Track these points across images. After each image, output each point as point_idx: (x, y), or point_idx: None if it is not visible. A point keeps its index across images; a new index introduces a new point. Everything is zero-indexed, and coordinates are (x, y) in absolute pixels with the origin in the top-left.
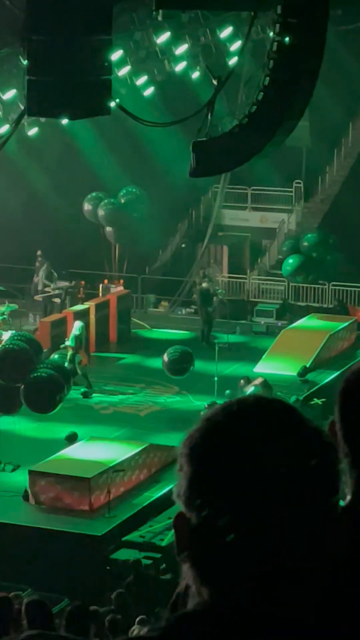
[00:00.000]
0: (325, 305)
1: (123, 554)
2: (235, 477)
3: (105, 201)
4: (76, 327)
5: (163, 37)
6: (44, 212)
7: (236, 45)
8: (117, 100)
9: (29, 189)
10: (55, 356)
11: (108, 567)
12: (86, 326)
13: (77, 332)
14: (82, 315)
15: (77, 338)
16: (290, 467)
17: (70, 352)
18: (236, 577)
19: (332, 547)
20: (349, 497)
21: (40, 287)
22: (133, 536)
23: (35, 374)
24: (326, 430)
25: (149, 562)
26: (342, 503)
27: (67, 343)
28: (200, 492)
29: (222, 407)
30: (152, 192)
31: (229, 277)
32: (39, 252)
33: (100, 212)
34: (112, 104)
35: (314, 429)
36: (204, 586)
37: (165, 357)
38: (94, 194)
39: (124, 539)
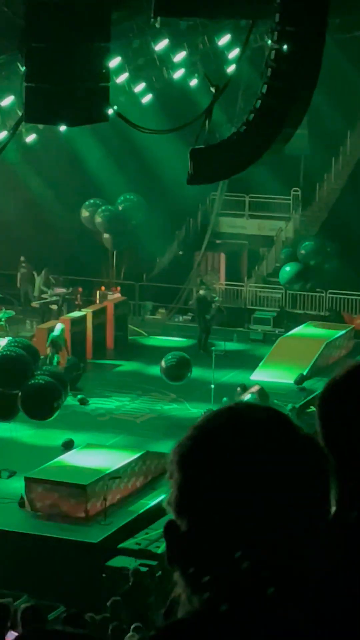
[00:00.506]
0: (322, 313)
1: (119, 561)
2: (225, 485)
3: (103, 208)
4: (56, 328)
5: (161, 45)
6: (42, 219)
7: (234, 53)
8: (115, 107)
9: (28, 196)
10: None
11: (104, 575)
12: (83, 333)
13: (57, 334)
14: (80, 322)
15: (57, 339)
16: (281, 474)
17: (49, 353)
18: (226, 585)
19: (323, 556)
20: (333, 507)
21: (36, 294)
22: (129, 543)
23: (32, 381)
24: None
25: (145, 569)
26: None
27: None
28: (190, 499)
29: (213, 414)
30: (150, 199)
31: (227, 285)
32: (22, 258)
33: (98, 219)
34: (110, 111)
35: (306, 437)
36: (194, 595)
37: (163, 363)
38: (91, 200)
39: (119, 546)
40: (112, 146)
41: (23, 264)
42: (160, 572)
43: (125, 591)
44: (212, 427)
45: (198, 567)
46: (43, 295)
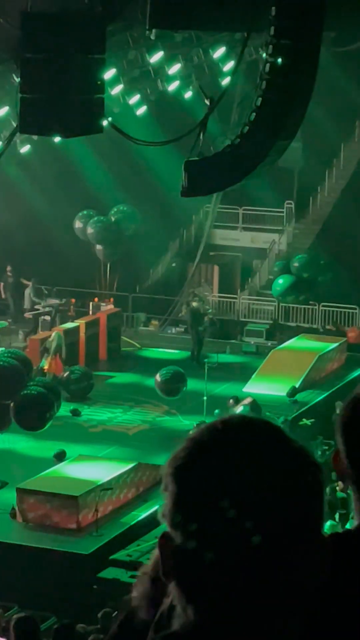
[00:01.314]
0: (315, 326)
1: (110, 573)
2: (220, 497)
3: (95, 219)
4: (52, 335)
5: (156, 57)
6: (36, 229)
7: (229, 66)
8: (110, 118)
9: (22, 206)
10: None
11: (95, 586)
12: (76, 344)
13: (50, 339)
14: (73, 333)
15: (48, 344)
16: (275, 487)
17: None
18: (221, 597)
19: (317, 569)
20: (355, 523)
21: (27, 305)
22: (120, 555)
23: (25, 392)
24: (331, 459)
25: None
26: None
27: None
28: (185, 511)
29: (207, 426)
30: (145, 211)
31: (220, 297)
32: (8, 268)
33: (89, 230)
34: (105, 123)
35: (300, 449)
36: (189, 605)
37: (158, 378)
38: (85, 211)
39: (111, 557)
40: (107, 157)
41: (9, 273)
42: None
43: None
44: (207, 439)
45: (192, 579)
46: (36, 307)
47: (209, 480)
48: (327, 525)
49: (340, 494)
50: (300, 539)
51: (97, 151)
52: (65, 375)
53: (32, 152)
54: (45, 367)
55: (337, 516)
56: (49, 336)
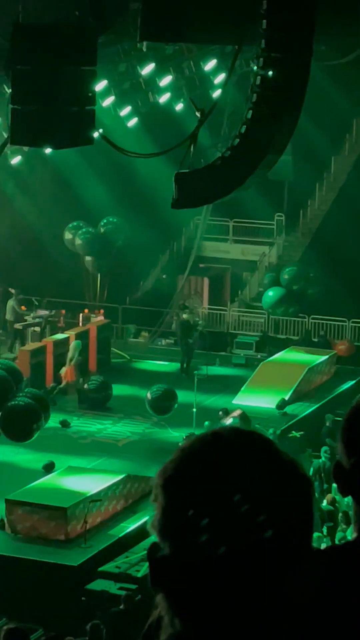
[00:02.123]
0: (318, 339)
1: (98, 585)
2: (209, 509)
3: (83, 230)
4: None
5: (147, 69)
6: (28, 240)
7: (220, 78)
8: (101, 130)
9: (13, 217)
10: None
11: (83, 598)
12: (65, 355)
13: (70, 348)
14: (62, 344)
15: (69, 353)
16: (265, 499)
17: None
18: (209, 608)
19: (306, 582)
20: (354, 535)
21: (8, 316)
22: (109, 567)
23: (12, 402)
24: (332, 471)
25: (124, 592)
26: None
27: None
28: (174, 522)
29: (198, 438)
30: (135, 222)
31: (210, 309)
32: None
33: (77, 241)
34: (96, 134)
35: (290, 462)
36: (177, 617)
37: (149, 395)
38: (75, 223)
39: (99, 569)
40: (99, 168)
41: None
42: (139, 596)
43: (113, 614)
44: (197, 450)
45: (180, 590)
46: (25, 317)
47: (199, 492)
48: (314, 537)
49: (327, 507)
50: (289, 550)
51: (89, 162)
52: (81, 383)
53: (24, 163)
54: (62, 374)
55: (324, 529)
56: (35, 350)
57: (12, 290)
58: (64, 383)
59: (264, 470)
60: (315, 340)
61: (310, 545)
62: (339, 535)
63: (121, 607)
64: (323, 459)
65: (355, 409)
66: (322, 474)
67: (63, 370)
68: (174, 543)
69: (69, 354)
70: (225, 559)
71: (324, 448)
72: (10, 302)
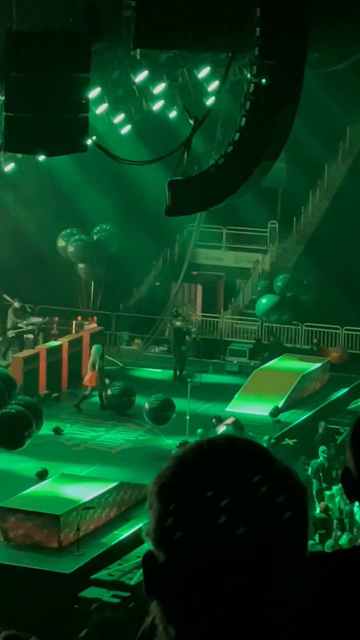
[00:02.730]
0: (298, 346)
1: (91, 592)
2: (204, 517)
3: (76, 237)
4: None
5: (141, 76)
6: (22, 247)
7: (214, 86)
8: (94, 137)
9: (7, 224)
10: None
11: (76, 605)
12: (58, 362)
13: (91, 353)
14: (55, 351)
15: (91, 358)
16: (259, 507)
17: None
18: (203, 616)
19: (302, 590)
20: None
21: (10, 325)
22: (102, 574)
23: (4, 410)
24: (340, 476)
25: (117, 600)
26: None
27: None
28: (169, 530)
29: (193, 446)
30: (129, 229)
31: (203, 316)
32: None
33: (70, 248)
34: (89, 142)
35: (284, 470)
36: (170, 625)
37: (147, 406)
38: (68, 230)
39: (92, 577)
40: (93, 175)
41: None
42: (132, 604)
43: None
44: (192, 458)
45: (174, 598)
46: (18, 325)
47: (194, 500)
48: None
49: (319, 515)
50: (284, 558)
51: (83, 169)
52: (105, 388)
53: (17, 170)
54: (85, 380)
55: (317, 537)
56: (28, 358)
57: (8, 298)
58: (88, 389)
59: (259, 479)
60: (307, 347)
61: (305, 552)
62: (329, 542)
63: (107, 615)
64: (321, 459)
65: None
66: (321, 474)
67: (87, 376)
68: (169, 551)
69: (91, 359)
70: (221, 567)
71: (322, 448)
72: (10, 310)
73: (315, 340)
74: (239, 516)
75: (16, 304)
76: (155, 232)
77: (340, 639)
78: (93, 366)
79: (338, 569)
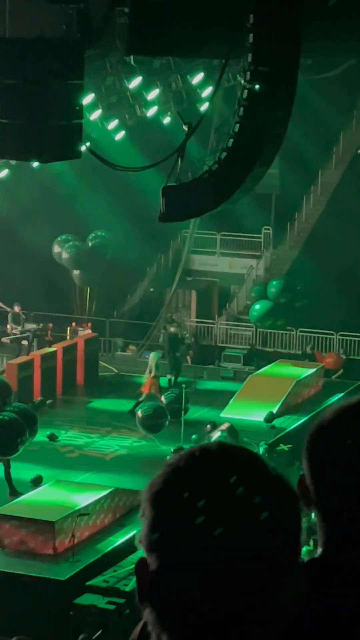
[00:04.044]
0: (292, 352)
1: (87, 599)
2: (196, 524)
3: (70, 244)
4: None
5: (134, 82)
6: (17, 253)
7: (207, 92)
8: (88, 143)
9: (4, 230)
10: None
11: (71, 612)
12: (53, 369)
13: (150, 359)
14: (50, 358)
15: (149, 365)
16: (252, 514)
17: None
18: (196, 623)
19: (295, 596)
20: (320, 550)
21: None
22: (97, 581)
23: None
24: (296, 485)
25: (112, 607)
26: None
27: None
28: (161, 537)
29: (186, 453)
30: (123, 235)
31: (197, 322)
32: None
33: (64, 255)
34: (83, 148)
35: (277, 477)
36: (164, 632)
37: (140, 413)
38: (63, 236)
39: (87, 583)
40: (89, 181)
41: None
42: (127, 610)
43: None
44: (184, 465)
45: (167, 605)
46: (13, 331)
47: (186, 506)
48: (304, 550)
49: (314, 519)
50: (277, 565)
51: (78, 175)
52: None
53: (11, 177)
54: (142, 387)
55: (311, 542)
56: (22, 364)
57: (3, 306)
58: (144, 396)
59: (252, 486)
60: (299, 353)
61: (298, 558)
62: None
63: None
64: None
65: (318, 427)
66: None
67: (144, 383)
68: (161, 557)
69: (149, 366)
70: (214, 573)
71: None
72: (10, 317)
73: (309, 346)
74: (231, 523)
75: (16, 308)
76: (149, 238)
77: None
78: (151, 373)
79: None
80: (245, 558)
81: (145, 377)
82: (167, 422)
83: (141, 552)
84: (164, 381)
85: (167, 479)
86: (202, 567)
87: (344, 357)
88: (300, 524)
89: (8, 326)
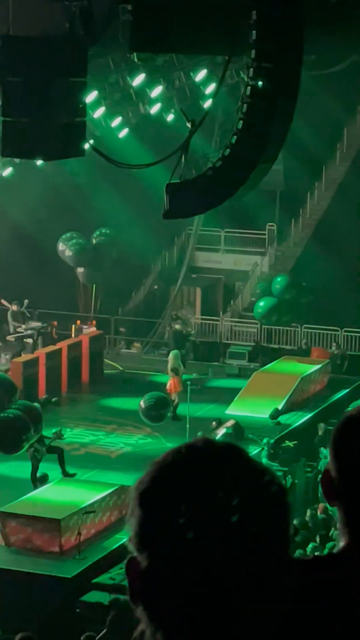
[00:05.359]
0: (296, 348)
1: (93, 597)
2: (183, 521)
3: (74, 241)
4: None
5: (138, 80)
6: (23, 251)
7: (211, 88)
8: (92, 141)
9: (9, 228)
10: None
11: (77, 610)
12: (58, 366)
13: (170, 358)
14: (55, 355)
15: (170, 363)
16: (239, 510)
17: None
18: (189, 620)
19: (284, 591)
20: (341, 544)
21: (12, 330)
22: (103, 578)
23: (2, 414)
24: (320, 481)
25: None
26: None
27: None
28: (150, 535)
29: (172, 451)
30: (128, 233)
31: (202, 319)
32: None
33: (68, 252)
34: (87, 146)
35: (263, 471)
36: (158, 630)
37: (142, 404)
38: (68, 234)
39: (94, 581)
40: (93, 178)
41: None
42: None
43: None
44: (170, 463)
45: (159, 603)
46: (18, 329)
47: (173, 504)
48: (309, 547)
49: (320, 516)
50: (264, 560)
51: (81, 172)
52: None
53: (15, 175)
54: (169, 387)
55: (317, 538)
56: (28, 362)
57: (5, 303)
58: (174, 395)
59: (237, 481)
60: (295, 348)
61: (288, 553)
62: (329, 544)
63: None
64: (323, 460)
65: (348, 418)
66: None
67: (169, 383)
68: (151, 556)
69: (170, 365)
70: (204, 568)
71: (323, 450)
72: (9, 314)
73: (304, 341)
74: (218, 519)
75: (14, 307)
76: (154, 236)
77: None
78: (175, 371)
79: (315, 577)
80: (230, 556)
81: (170, 377)
82: (169, 413)
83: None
84: (153, 377)
85: (154, 477)
86: (189, 566)
87: (336, 351)
88: (288, 520)
89: (12, 324)
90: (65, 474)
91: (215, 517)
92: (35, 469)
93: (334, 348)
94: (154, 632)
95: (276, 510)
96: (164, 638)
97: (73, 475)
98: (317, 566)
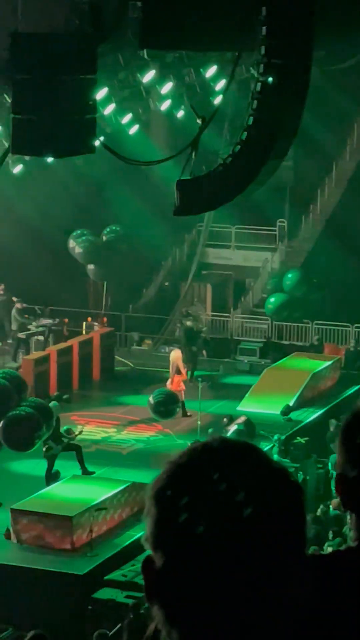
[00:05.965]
0: (308, 344)
1: (105, 594)
2: (199, 520)
3: (84, 238)
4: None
5: (148, 76)
6: (33, 248)
7: (221, 85)
8: (102, 138)
9: (20, 225)
10: None
11: (90, 607)
12: (69, 364)
13: (173, 358)
14: (66, 353)
15: (175, 364)
16: (256, 507)
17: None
18: (205, 618)
19: (301, 591)
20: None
21: (14, 327)
22: (115, 575)
23: (14, 412)
24: (334, 486)
25: (131, 601)
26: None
27: None
28: (165, 535)
29: (188, 449)
30: (138, 229)
31: (213, 316)
32: (1, 286)
33: (77, 249)
34: (97, 142)
35: (279, 470)
36: (173, 629)
37: (151, 400)
38: (78, 231)
39: (106, 578)
40: (104, 174)
41: (1, 292)
42: (146, 605)
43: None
44: (186, 461)
45: (174, 602)
46: (28, 326)
47: (190, 503)
48: (325, 546)
49: (333, 512)
50: (281, 559)
51: (93, 170)
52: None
53: (25, 172)
54: (175, 386)
55: (330, 534)
56: (39, 359)
57: (14, 299)
58: (183, 394)
59: (255, 479)
60: (307, 344)
61: (303, 552)
62: (337, 540)
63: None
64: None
65: (354, 416)
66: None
67: (175, 383)
68: (167, 554)
69: (176, 365)
70: (220, 566)
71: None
72: (13, 311)
73: (317, 337)
74: (234, 518)
75: (18, 305)
76: (164, 232)
77: (341, 637)
78: (179, 371)
79: (335, 572)
80: (249, 552)
81: (175, 375)
82: (178, 408)
83: (149, 551)
84: (164, 374)
85: (169, 476)
86: (204, 565)
87: (352, 348)
88: (303, 517)
89: (17, 321)
90: (85, 471)
91: (232, 516)
92: (50, 466)
93: (352, 344)
94: (169, 631)
95: (292, 508)
96: (179, 637)
97: (92, 473)
98: (337, 560)
